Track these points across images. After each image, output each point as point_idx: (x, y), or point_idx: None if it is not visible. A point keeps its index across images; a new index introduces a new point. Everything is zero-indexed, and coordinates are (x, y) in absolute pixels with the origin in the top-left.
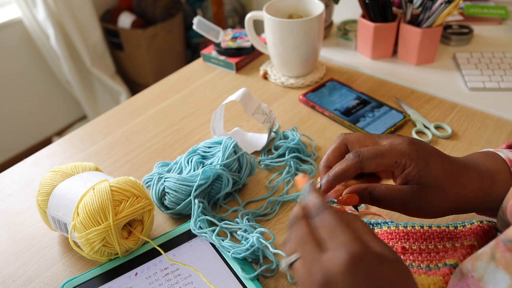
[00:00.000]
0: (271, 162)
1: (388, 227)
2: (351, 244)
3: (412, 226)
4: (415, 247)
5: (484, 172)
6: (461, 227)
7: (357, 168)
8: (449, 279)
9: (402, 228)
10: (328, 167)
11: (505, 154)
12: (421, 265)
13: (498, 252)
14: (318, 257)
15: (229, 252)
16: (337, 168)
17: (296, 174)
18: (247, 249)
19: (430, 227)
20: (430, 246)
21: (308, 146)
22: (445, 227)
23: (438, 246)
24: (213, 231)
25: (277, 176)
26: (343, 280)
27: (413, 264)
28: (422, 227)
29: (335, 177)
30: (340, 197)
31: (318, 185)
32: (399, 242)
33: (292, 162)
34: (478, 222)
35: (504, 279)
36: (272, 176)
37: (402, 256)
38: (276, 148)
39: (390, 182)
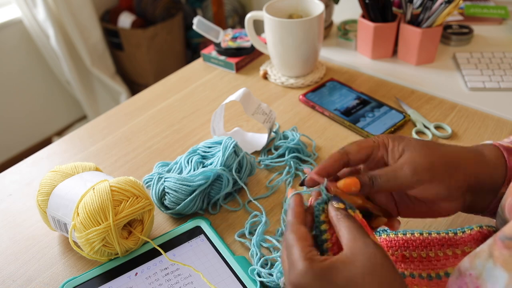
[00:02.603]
0: (271, 162)
1: (387, 234)
2: (296, 263)
3: (412, 234)
4: (416, 255)
5: (468, 147)
6: (461, 233)
7: (342, 154)
8: None
9: (402, 235)
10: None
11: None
12: (422, 274)
13: (496, 249)
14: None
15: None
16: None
17: (296, 175)
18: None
19: (429, 234)
20: (430, 254)
21: (308, 146)
22: (444, 233)
23: (439, 254)
24: (260, 257)
25: (277, 176)
26: None
27: (414, 273)
28: (421, 234)
29: (323, 162)
30: (339, 182)
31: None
32: (399, 250)
33: (292, 162)
34: (478, 228)
35: (502, 277)
36: (272, 176)
37: (402, 265)
38: (276, 148)
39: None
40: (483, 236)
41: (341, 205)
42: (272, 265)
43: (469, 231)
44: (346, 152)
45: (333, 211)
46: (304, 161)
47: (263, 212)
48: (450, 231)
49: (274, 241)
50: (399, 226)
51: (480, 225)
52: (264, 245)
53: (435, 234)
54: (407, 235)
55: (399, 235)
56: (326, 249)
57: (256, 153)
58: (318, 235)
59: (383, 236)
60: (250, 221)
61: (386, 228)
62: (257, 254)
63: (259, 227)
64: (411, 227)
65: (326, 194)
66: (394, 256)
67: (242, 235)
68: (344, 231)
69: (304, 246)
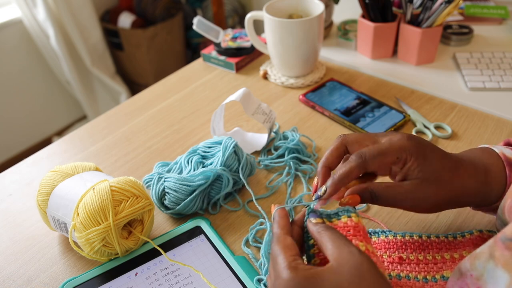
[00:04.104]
0: (271, 162)
1: (386, 236)
2: (281, 272)
3: (410, 236)
4: (413, 257)
5: (478, 165)
6: (460, 238)
7: (360, 169)
8: None
9: (400, 237)
10: (327, 167)
11: (499, 149)
12: (418, 276)
13: (496, 250)
14: None
15: None
16: (341, 170)
17: (295, 175)
18: None
19: (428, 237)
20: (428, 257)
21: (308, 146)
22: (444, 237)
23: (436, 257)
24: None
25: (277, 177)
26: None
27: (410, 275)
28: (420, 237)
29: (339, 179)
30: (342, 199)
31: (324, 189)
32: (397, 252)
33: (291, 163)
34: (478, 232)
35: (503, 278)
36: (272, 176)
37: (398, 266)
38: (276, 149)
39: (387, 179)
40: (482, 241)
41: (319, 220)
42: None
43: (468, 235)
44: (365, 167)
45: (313, 226)
46: (303, 162)
47: (265, 217)
48: (450, 235)
49: None
50: None
51: (480, 230)
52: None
53: (434, 238)
54: (406, 237)
55: (398, 237)
56: (314, 265)
57: (256, 153)
58: (306, 250)
59: (382, 237)
60: (257, 228)
61: (385, 229)
62: (265, 265)
63: (265, 236)
64: (411, 229)
65: (308, 209)
66: (391, 257)
67: (246, 239)
68: (327, 243)
69: (288, 255)
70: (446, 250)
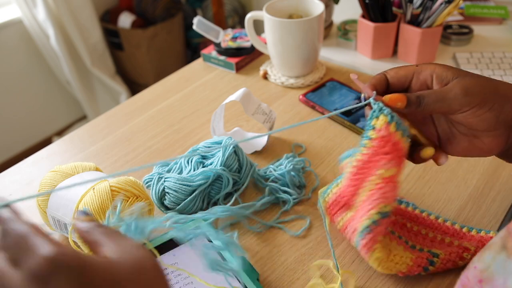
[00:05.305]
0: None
1: (406, 206)
2: (40, 248)
3: (425, 212)
4: (416, 229)
5: None
6: (466, 231)
7: (381, 75)
8: (420, 262)
9: (418, 211)
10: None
11: None
12: (408, 241)
13: (510, 241)
14: None
15: None
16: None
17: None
18: None
19: (445, 220)
20: (430, 234)
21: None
22: (450, 223)
23: (437, 238)
24: None
25: None
26: None
27: (401, 236)
28: (437, 218)
29: (374, 78)
30: (384, 97)
31: (363, 95)
32: (404, 220)
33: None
34: (485, 233)
35: None
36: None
37: (398, 228)
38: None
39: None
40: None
41: (87, 218)
42: None
43: (475, 232)
44: (384, 73)
45: (80, 224)
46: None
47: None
48: (461, 225)
49: None
50: (446, 161)
51: (488, 231)
52: None
53: (442, 221)
54: (424, 214)
55: (417, 211)
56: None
57: (256, 156)
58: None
59: (402, 206)
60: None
61: (408, 201)
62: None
63: None
64: (430, 209)
65: (375, 103)
66: (397, 220)
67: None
68: (102, 239)
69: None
70: (450, 236)
